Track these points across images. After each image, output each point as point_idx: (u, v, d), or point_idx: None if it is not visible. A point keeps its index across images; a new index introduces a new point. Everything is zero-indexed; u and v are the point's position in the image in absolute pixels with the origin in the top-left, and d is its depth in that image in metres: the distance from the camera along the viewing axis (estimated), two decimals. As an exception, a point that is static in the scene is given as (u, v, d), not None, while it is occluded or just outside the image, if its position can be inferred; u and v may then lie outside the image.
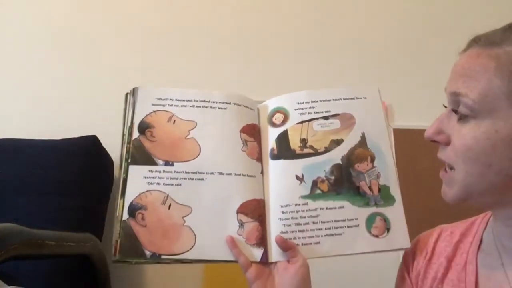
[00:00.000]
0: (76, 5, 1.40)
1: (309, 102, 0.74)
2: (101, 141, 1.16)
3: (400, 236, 0.67)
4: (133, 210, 0.65)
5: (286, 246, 0.65)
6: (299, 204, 0.68)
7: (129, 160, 0.67)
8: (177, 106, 0.72)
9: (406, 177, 1.26)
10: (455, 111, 0.56)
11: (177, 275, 1.25)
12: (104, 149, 1.16)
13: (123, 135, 0.69)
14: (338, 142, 0.71)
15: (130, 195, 0.65)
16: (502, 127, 0.52)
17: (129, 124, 0.69)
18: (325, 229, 0.67)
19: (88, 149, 1.13)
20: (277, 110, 0.75)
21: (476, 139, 0.53)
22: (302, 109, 0.73)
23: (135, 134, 0.69)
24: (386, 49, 1.40)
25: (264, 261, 0.66)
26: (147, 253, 0.63)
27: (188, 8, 1.40)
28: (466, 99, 0.54)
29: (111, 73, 1.34)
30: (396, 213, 0.68)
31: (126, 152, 0.68)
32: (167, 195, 0.66)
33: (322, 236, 0.66)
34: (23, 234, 0.69)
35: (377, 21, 1.43)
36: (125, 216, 0.64)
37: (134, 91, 0.72)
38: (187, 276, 1.24)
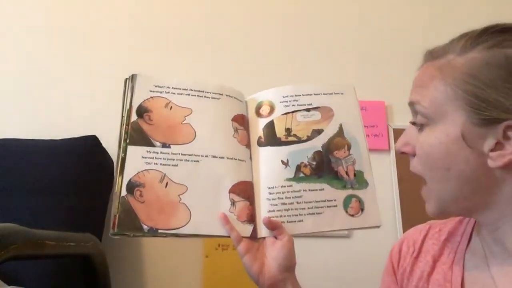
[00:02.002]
0: (77, 4, 1.41)
1: (293, 96, 0.81)
2: (101, 141, 1.17)
3: (373, 215, 0.75)
4: (132, 187, 0.68)
5: (273, 226, 0.71)
6: (284, 186, 0.74)
7: (128, 141, 0.71)
8: (174, 93, 0.76)
9: (406, 177, 1.31)
10: (414, 123, 0.60)
11: (177, 274, 1.25)
12: (104, 149, 1.17)
13: (122, 117, 0.73)
14: (319, 132, 0.79)
15: (129, 173, 0.69)
16: (452, 130, 0.55)
17: (127, 107, 0.73)
18: (308, 208, 0.73)
19: (88, 149, 1.14)
20: (264, 103, 0.82)
21: (431, 145, 0.57)
22: (287, 101, 0.81)
23: (134, 117, 0.73)
24: (386, 50, 1.45)
25: (254, 236, 0.71)
26: (145, 227, 0.67)
27: (186, 10, 1.45)
28: (420, 106, 0.58)
29: (111, 73, 1.33)
30: (369, 195, 0.76)
31: (124, 133, 0.71)
32: (164, 175, 0.70)
33: (304, 214, 0.73)
34: (23, 234, 0.70)
35: (377, 22, 1.49)
36: (124, 192, 0.68)
37: (133, 77, 0.76)
38: (186, 276, 1.25)
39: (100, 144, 1.17)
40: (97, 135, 1.17)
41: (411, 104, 0.60)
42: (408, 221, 1.32)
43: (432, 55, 0.60)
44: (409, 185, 1.34)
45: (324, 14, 1.50)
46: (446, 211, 0.61)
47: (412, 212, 1.33)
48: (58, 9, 1.41)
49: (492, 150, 0.54)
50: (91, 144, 1.15)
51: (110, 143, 1.15)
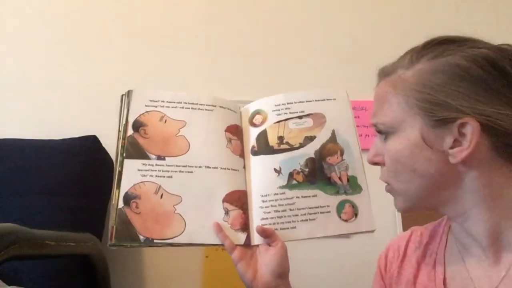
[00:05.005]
0: (77, 6, 1.44)
1: (285, 104, 0.82)
2: (101, 141, 1.18)
3: (366, 220, 0.75)
4: (128, 199, 0.71)
5: (266, 234, 0.72)
6: (277, 194, 0.76)
7: (124, 155, 0.74)
8: (168, 107, 0.79)
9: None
10: (380, 132, 0.66)
11: (177, 274, 1.27)
12: (104, 149, 1.18)
13: (119, 131, 0.76)
14: (311, 139, 0.80)
15: (125, 186, 0.72)
16: (412, 134, 0.61)
17: (124, 122, 0.76)
18: (301, 215, 0.75)
19: (88, 149, 1.15)
20: (257, 112, 0.83)
21: (397, 151, 0.62)
22: (279, 110, 0.82)
23: (130, 131, 0.76)
24: (386, 49, 1.43)
25: (248, 244, 0.73)
26: (141, 237, 0.69)
27: (183, 14, 1.47)
28: (380, 125, 0.65)
29: (111, 73, 1.38)
30: (363, 200, 0.76)
31: (121, 147, 0.74)
32: (159, 186, 0.73)
33: (298, 221, 0.74)
34: (23, 234, 0.71)
35: (376, 21, 1.49)
36: (121, 204, 0.71)
37: (129, 93, 0.79)
38: (186, 276, 1.27)
39: (100, 144, 1.18)
40: (97, 135, 1.18)
41: (375, 125, 0.67)
42: (408, 221, 1.31)
43: (384, 73, 0.67)
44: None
45: (322, 14, 1.50)
46: (413, 207, 0.65)
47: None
48: (60, 11, 1.43)
49: (451, 147, 0.59)
50: (91, 144, 1.16)
51: (110, 143, 1.11)
